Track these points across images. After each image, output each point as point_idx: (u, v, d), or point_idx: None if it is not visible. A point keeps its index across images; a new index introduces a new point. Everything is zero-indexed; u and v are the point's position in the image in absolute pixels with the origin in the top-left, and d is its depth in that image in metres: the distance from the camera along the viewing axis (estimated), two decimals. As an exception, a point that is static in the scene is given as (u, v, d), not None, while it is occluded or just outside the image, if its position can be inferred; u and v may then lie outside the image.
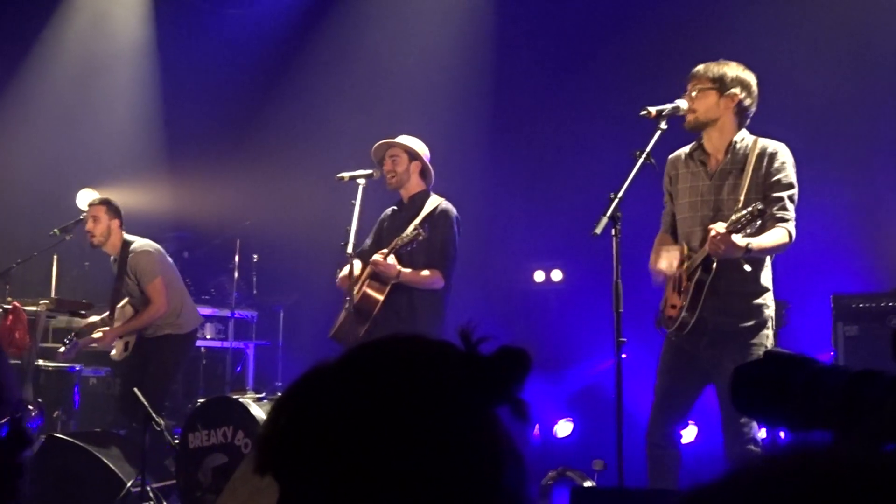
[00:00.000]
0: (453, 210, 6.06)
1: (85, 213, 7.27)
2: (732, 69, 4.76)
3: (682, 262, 4.76)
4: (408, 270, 5.86)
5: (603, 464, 5.86)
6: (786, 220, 4.63)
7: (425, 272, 5.91)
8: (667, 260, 4.79)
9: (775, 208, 4.62)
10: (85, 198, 7.33)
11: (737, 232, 4.42)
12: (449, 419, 1.14)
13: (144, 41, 10.66)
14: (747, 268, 4.66)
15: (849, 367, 1.32)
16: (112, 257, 7.31)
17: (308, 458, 1.15)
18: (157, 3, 10.62)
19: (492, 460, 1.14)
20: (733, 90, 4.73)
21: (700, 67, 4.80)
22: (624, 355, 4.53)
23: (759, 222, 4.46)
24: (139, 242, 7.24)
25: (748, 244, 4.47)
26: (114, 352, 7.29)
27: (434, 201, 6.07)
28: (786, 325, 6.33)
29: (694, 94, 4.75)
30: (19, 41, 10.22)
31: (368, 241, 6.17)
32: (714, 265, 4.62)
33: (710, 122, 4.76)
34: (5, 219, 9.87)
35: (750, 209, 4.39)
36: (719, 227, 4.44)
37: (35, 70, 10.36)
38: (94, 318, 7.47)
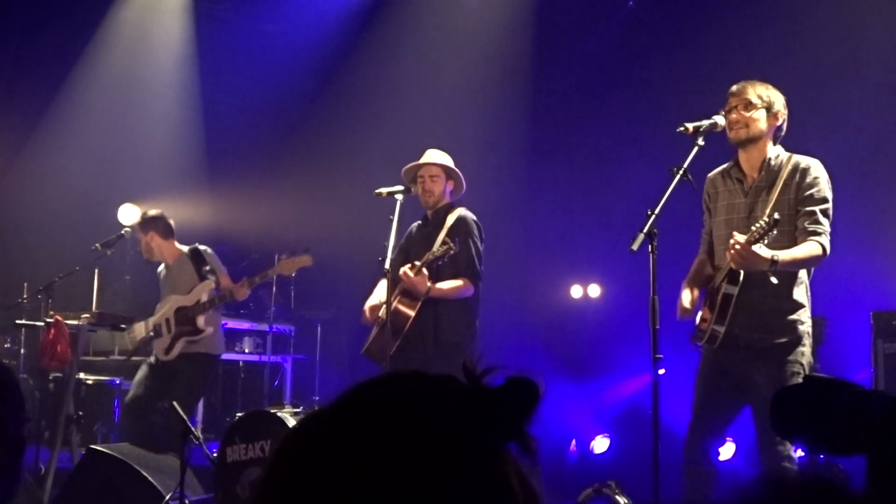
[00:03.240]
0: (471, 215, 6.08)
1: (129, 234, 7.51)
2: (771, 90, 4.76)
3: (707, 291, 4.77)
4: (437, 286, 5.87)
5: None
6: (818, 234, 4.58)
7: (454, 283, 5.91)
8: (686, 300, 4.80)
9: (807, 222, 4.59)
10: (126, 213, 7.44)
11: (755, 242, 4.39)
12: (453, 462, 1.05)
13: (185, 59, 10.79)
14: (774, 280, 4.59)
15: (888, 392, 1.32)
16: (161, 266, 7.47)
17: None
18: (197, 22, 10.74)
19: (503, 501, 1.06)
20: (778, 109, 4.74)
21: (737, 88, 4.76)
22: (662, 371, 4.52)
23: (774, 231, 4.39)
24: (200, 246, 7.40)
25: (773, 256, 4.43)
26: (154, 355, 7.28)
27: (455, 212, 6.09)
28: (825, 343, 6.29)
29: (743, 110, 4.71)
30: (62, 60, 10.38)
31: (395, 257, 6.17)
32: (741, 278, 4.60)
33: (755, 139, 4.74)
34: (48, 233, 9.99)
35: (766, 219, 4.37)
36: (739, 238, 4.42)
37: (77, 87, 10.51)
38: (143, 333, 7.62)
